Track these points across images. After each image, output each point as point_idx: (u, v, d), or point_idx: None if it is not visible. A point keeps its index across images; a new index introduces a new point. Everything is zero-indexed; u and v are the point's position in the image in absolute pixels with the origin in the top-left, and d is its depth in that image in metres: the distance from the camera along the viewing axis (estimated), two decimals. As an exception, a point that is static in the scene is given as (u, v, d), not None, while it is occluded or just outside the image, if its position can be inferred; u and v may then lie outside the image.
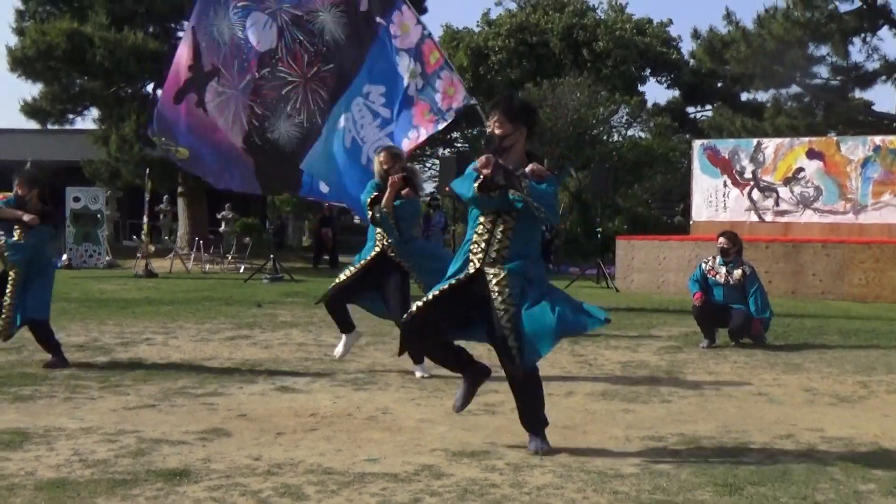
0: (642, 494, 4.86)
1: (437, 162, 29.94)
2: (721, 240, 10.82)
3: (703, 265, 10.89)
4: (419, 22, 10.94)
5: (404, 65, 10.68)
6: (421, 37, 10.82)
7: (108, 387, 7.73)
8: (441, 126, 11.21)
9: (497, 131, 5.69)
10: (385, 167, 8.48)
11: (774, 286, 16.78)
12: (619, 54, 37.61)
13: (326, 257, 27.93)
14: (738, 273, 10.65)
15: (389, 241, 8.37)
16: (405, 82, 10.64)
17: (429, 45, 10.89)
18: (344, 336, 8.75)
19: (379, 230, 8.44)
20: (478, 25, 40.13)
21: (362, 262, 8.48)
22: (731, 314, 10.54)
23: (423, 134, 10.90)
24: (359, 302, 8.73)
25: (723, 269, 10.72)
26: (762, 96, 35.33)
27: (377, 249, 8.44)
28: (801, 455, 5.71)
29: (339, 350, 8.80)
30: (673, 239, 20.03)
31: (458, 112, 11.32)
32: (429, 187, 43.77)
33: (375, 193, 8.37)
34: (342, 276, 8.54)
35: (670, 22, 42.68)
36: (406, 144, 10.47)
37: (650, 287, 18.64)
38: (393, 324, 8.69)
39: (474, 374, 5.92)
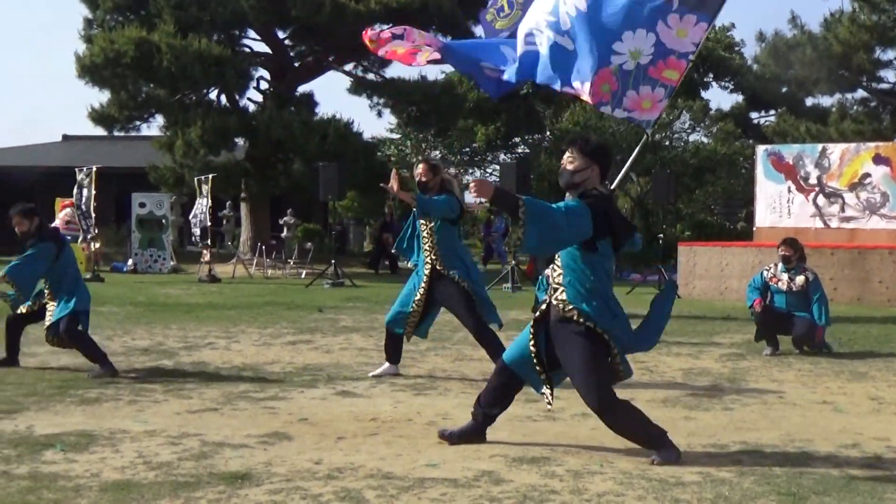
0: (704, 503, 4.81)
1: (498, 168, 29.93)
2: (782, 247, 10.69)
3: (765, 272, 10.77)
4: (697, 46, 10.17)
5: (637, 45, 9.83)
6: (683, 53, 10.04)
7: (171, 390, 7.82)
8: (599, 107, 10.60)
9: (569, 167, 5.83)
10: (424, 179, 8.62)
11: (840, 293, 16.55)
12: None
13: (387, 262, 28.02)
14: (800, 280, 10.51)
15: (438, 254, 8.46)
16: (622, 57, 9.85)
17: (681, 64, 10.18)
18: (387, 364, 8.88)
19: (427, 247, 8.58)
20: (540, 31, 39.97)
21: (421, 288, 8.60)
22: (794, 322, 10.41)
23: (583, 92, 10.25)
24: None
25: (785, 276, 10.59)
26: (827, 101, 34.91)
27: (427, 269, 8.57)
28: (867, 465, 5.63)
29: (378, 371, 8.89)
30: (736, 245, 19.82)
31: (629, 119, 10.75)
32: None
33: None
34: (412, 308, 8.64)
35: (732, 26, 42.19)
36: (565, 88, 9.99)
37: (712, 294, 18.46)
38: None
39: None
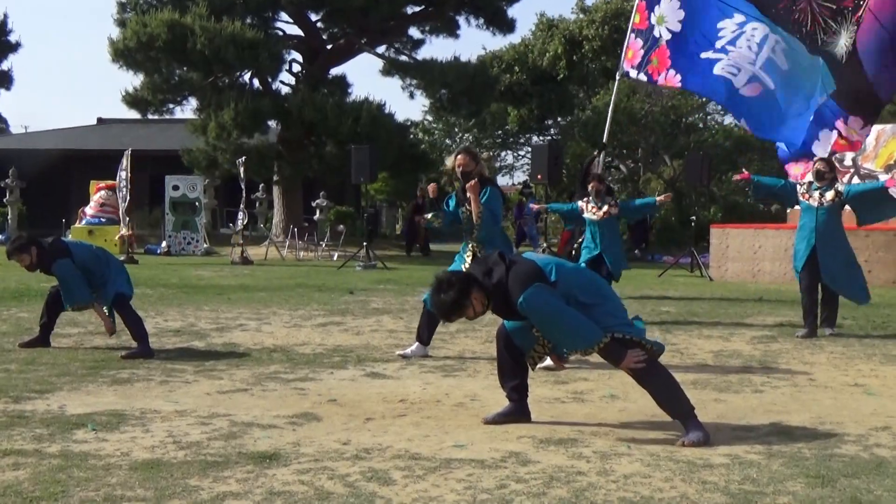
0: (731, 485, 4.79)
1: (530, 150, 29.88)
2: (818, 163, 10.76)
3: (799, 187, 10.79)
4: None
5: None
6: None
7: (202, 371, 7.88)
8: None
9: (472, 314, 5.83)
10: (466, 169, 8.63)
11: (875, 276, 16.39)
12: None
13: (419, 245, 28.05)
14: (830, 195, 10.45)
15: (482, 251, 8.45)
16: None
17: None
18: (417, 344, 8.90)
19: (472, 243, 8.66)
20: (572, 13, 39.80)
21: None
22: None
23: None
24: None
25: (816, 194, 10.53)
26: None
27: (468, 255, 8.63)
28: (898, 448, 5.58)
29: (407, 351, 8.91)
30: (769, 227, 19.69)
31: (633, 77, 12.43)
32: (521, 176, 43.80)
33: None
34: None
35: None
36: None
37: (745, 276, 18.35)
38: None
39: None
